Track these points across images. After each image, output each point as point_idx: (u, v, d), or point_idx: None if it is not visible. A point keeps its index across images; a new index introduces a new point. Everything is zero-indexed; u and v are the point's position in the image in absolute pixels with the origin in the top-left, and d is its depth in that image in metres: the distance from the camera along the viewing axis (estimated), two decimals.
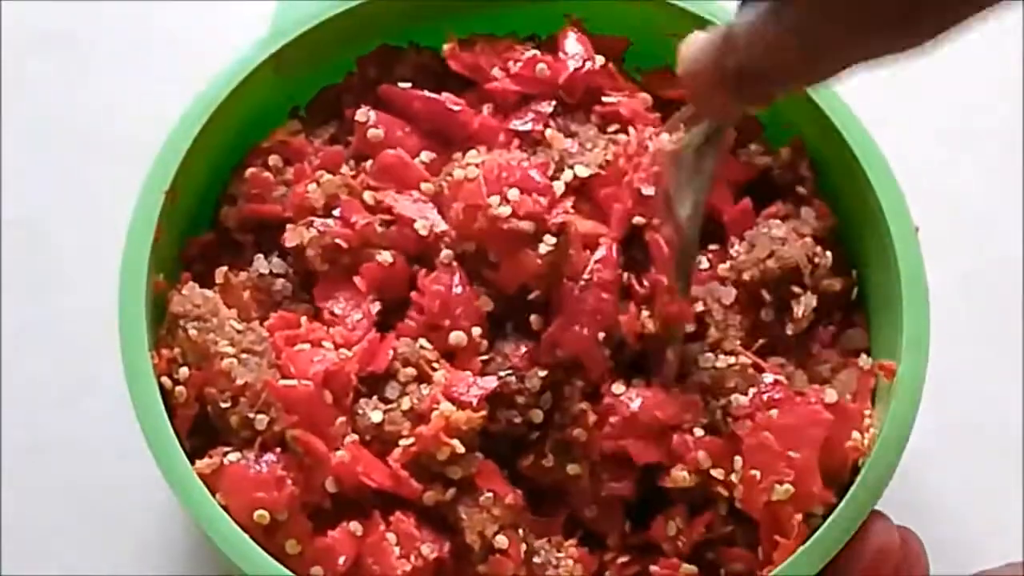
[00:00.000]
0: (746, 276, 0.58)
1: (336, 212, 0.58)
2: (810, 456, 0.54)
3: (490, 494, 0.55)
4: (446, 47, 0.62)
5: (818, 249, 0.58)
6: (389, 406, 0.55)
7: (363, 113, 0.60)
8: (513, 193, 0.56)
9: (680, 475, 0.55)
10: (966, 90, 0.74)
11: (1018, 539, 0.65)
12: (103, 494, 0.66)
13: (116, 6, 0.75)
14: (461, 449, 0.54)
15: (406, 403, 0.55)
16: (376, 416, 0.55)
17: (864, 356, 0.58)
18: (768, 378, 0.56)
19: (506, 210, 0.56)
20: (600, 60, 0.61)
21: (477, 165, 0.57)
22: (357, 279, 0.58)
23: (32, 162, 0.72)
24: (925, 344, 0.56)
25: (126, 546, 0.65)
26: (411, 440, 0.54)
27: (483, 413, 0.55)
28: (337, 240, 0.58)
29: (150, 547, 0.65)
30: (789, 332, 0.58)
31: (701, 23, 0.59)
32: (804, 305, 0.57)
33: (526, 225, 0.56)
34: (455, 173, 0.58)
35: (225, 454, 0.54)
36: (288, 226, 0.59)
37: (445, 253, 0.57)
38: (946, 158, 0.71)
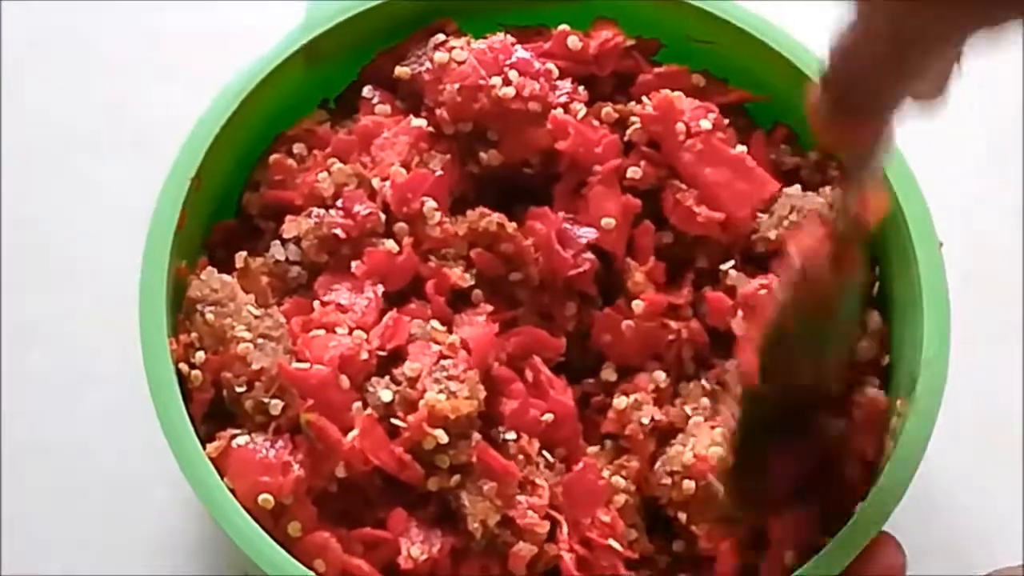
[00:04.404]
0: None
1: (339, 202, 0.58)
2: None
3: (493, 484, 0.54)
4: None
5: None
6: (398, 387, 0.55)
7: (369, 90, 0.61)
8: (513, 75, 0.58)
9: None
10: (966, 89, 0.73)
11: (1019, 537, 0.65)
12: (104, 493, 0.66)
13: (118, 5, 0.75)
14: (444, 439, 0.54)
15: (406, 388, 0.55)
16: (386, 395, 0.55)
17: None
18: None
19: (510, 91, 0.58)
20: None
21: (462, 48, 0.59)
22: (355, 263, 0.58)
23: (33, 162, 0.72)
24: (944, 360, 0.55)
25: (127, 545, 0.65)
26: (406, 426, 0.54)
27: (474, 401, 0.54)
28: (335, 231, 0.58)
29: (151, 546, 0.65)
30: None
31: (725, 26, 0.60)
32: None
33: (534, 106, 0.58)
34: (436, 57, 0.59)
35: (233, 437, 0.55)
36: (287, 216, 0.59)
37: None
38: (946, 158, 0.70)
